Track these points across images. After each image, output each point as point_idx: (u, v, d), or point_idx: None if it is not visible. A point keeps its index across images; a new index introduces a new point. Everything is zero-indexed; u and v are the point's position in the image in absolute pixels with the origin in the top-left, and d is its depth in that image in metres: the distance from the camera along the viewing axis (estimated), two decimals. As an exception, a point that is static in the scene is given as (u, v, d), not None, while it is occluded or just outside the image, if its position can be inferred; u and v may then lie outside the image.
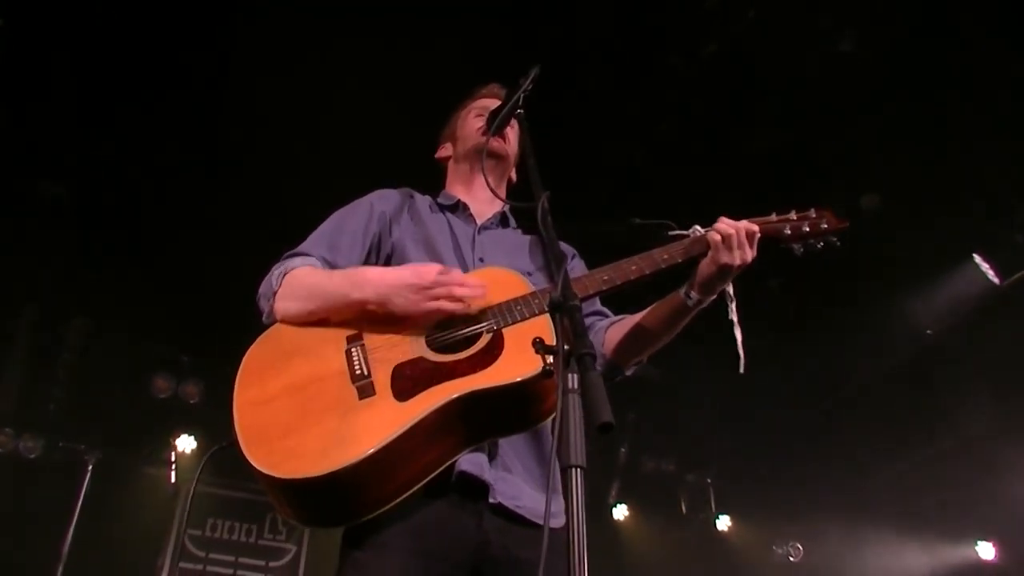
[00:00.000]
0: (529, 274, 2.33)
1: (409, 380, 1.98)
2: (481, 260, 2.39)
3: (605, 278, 2.17)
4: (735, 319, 2.22)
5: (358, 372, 2.02)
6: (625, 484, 9.41)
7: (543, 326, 2.03)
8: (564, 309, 1.70)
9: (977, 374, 7.01)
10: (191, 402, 7.49)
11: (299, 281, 2.17)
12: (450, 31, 5.34)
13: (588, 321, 2.40)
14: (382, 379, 1.99)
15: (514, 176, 2.71)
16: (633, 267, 2.18)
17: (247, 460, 1.89)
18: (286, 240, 6.46)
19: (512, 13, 5.26)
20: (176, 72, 5.59)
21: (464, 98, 2.82)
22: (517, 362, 1.96)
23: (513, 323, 2.06)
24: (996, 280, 5.81)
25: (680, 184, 6.01)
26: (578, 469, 1.54)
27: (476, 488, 2.05)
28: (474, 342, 2.05)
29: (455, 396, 1.93)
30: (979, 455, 7.38)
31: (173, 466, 5.73)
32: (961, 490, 7.68)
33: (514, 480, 2.11)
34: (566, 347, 1.64)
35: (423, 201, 2.57)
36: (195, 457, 7.70)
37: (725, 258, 2.13)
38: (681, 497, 9.85)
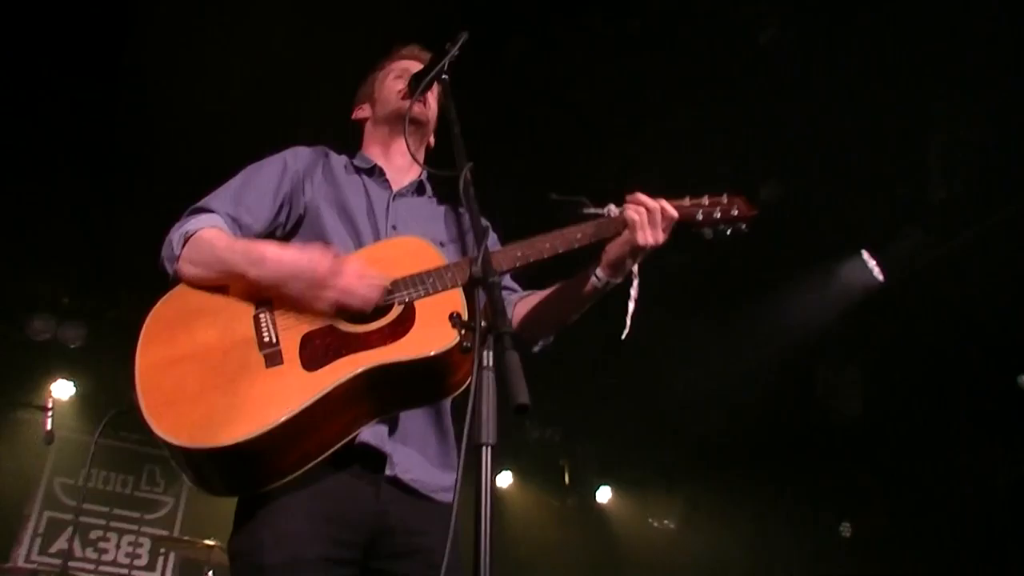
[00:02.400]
0: (442, 244, 2.32)
1: (318, 349, 1.93)
2: (394, 228, 2.33)
3: (519, 255, 2.14)
4: (634, 294, 2.22)
5: (266, 339, 1.96)
6: (510, 452, 9.52)
7: (455, 299, 2.01)
8: (484, 284, 1.68)
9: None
10: (71, 346, 7.16)
11: (201, 246, 2.07)
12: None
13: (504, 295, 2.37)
14: (290, 347, 1.94)
15: (432, 141, 2.62)
16: (547, 244, 2.16)
17: (149, 427, 1.81)
18: (181, 180, 6.22)
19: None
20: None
21: (382, 58, 2.70)
22: (429, 336, 1.94)
23: (425, 295, 2.02)
24: (880, 277, 6.10)
25: (599, 155, 6.02)
26: (489, 447, 1.53)
27: (375, 459, 2.04)
28: (385, 312, 2.00)
29: (364, 368, 1.90)
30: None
31: (50, 414, 5.45)
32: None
33: (411, 453, 2.10)
34: (483, 324, 1.63)
35: (339, 161, 2.47)
36: (72, 404, 7.39)
37: (639, 239, 2.13)
38: (565, 467, 10.02)
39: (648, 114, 5.93)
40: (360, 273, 1.98)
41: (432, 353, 1.91)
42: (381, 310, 2.00)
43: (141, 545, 7.91)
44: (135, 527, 7.97)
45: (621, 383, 8.06)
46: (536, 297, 2.39)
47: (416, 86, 2.37)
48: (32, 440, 7.30)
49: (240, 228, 2.21)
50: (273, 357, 1.93)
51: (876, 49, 5.32)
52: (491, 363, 1.61)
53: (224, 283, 2.06)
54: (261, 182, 2.29)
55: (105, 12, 5.40)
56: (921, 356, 6.45)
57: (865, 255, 6.17)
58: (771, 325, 6.68)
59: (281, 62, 5.49)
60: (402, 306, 2.01)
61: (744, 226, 2.35)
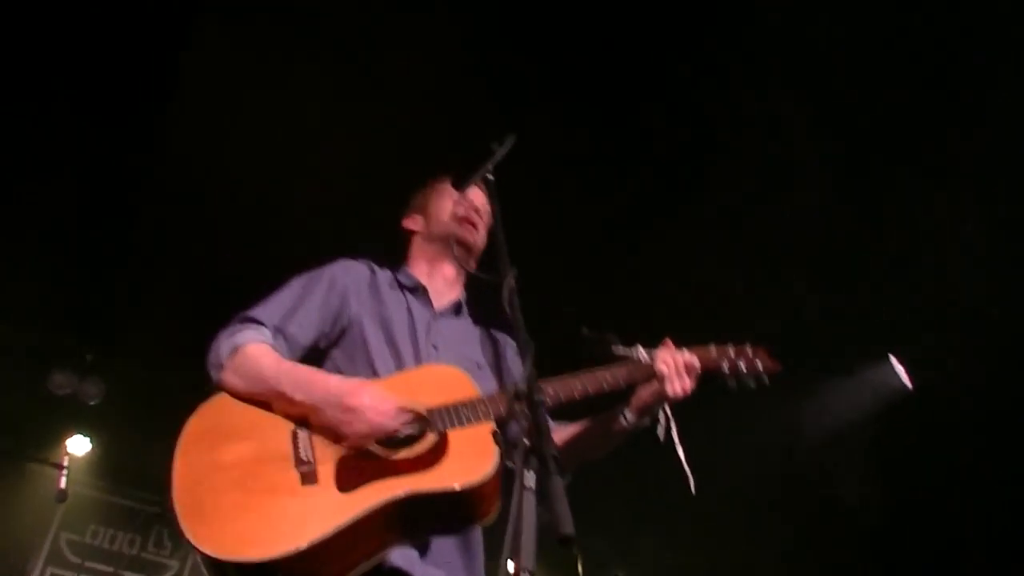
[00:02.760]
0: (479, 367, 2.43)
1: (353, 472, 1.97)
2: (435, 348, 2.39)
3: (550, 392, 2.17)
4: (676, 438, 2.27)
5: (303, 457, 2.01)
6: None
7: (487, 434, 2.05)
8: (530, 402, 1.67)
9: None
10: (90, 403, 7.17)
11: (248, 362, 2.14)
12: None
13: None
14: (326, 467, 1.99)
15: (474, 264, 2.66)
16: (578, 385, 2.21)
17: (183, 534, 1.88)
18: (211, 247, 6.24)
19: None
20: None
21: (438, 170, 2.80)
22: (461, 468, 1.98)
23: (459, 427, 2.06)
24: (909, 385, 6.06)
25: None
26: (528, 574, 1.51)
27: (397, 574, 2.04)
28: (419, 440, 2.04)
29: (398, 496, 1.93)
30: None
31: (64, 472, 5.44)
32: None
33: (433, 570, 2.10)
34: (527, 443, 1.62)
35: (384, 276, 2.55)
36: (87, 460, 7.36)
37: (669, 390, 2.21)
38: (578, 558, 9.74)
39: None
40: (376, 405, 2.02)
41: (462, 486, 1.96)
42: (416, 438, 2.04)
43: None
44: (142, 591, 7.85)
45: (630, 471, 7.91)
46: (567, 431, 2.43)
47: (461, 182, 2.42)
48: (42, 493, 7.27)
49: (286, 340, 2.28)
50: (308, 476, 1.97)
51: (900, 146, 5.37)
52: (533, 484, 1.59)
53: (265, 399, 2.12)
54: (309, 298, 2.36)
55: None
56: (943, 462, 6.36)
57: (893, 360, 6.14)
58: (794, 423, 6.62)
59: (327, 156, 5.57)
60: (437, 436, 2.04)
61: (767, 379, 2.42)
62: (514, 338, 1.88)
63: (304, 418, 2.08)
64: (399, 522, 1.97)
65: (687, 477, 2.26)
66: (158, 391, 7.56)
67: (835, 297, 6.04)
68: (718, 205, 5.73)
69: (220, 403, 2.12)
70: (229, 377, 2.13)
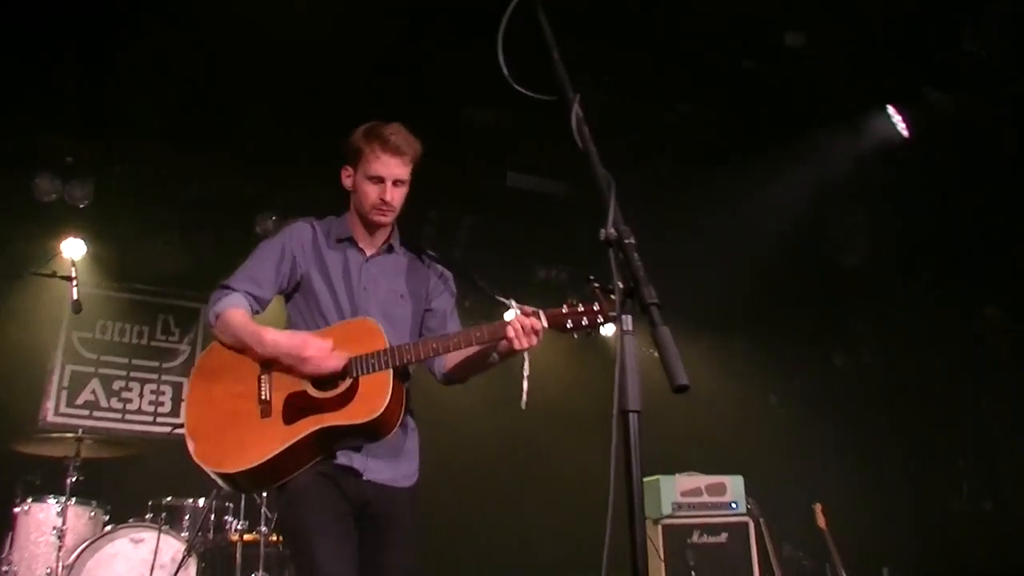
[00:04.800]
0: (402, 296, 3.16)
1: (294, 408, 2.81)
2: (365, 289, 3.09)
3: (434, 346, 2.88)
4: (526, 373, 2.91)
5: (263, 397, 2.85)
6: (518, 295, 9.60)
7: (386, 379, 2.81)
8: (620, 246, 1.67)
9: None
10: (80, 205, 7.05)
11: (227, 322, 2.94)
12: None
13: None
14: (277, 404, 2.84)
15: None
16: (455, 340, 2.89)
17: (189, 451, 2.82)
18: (196, 35, 5.91)
19: None
20: None
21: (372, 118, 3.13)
22: (362, 407, 2.78)
23: (367, 373, 2.82)
24: (906, 134, 6.04)
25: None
26: (636, 414, 1.58)
27: (346, 468, 2.88)
28: (340, 383, 2.83)
29: (317, 428, 2.78)
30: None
31: (75, 283, 5.43)
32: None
33: (379, 461, 2.93)
34: (621, 285, 1.63)
35: (322, 232, 3.19)
36: (84, 262, 7.36)
37: (516, 345, 2.84)
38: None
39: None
40: (324, 354, 2.81)
41: (361, 420, 2.77)
42: (338, 382, 2.83)
43: (163, 393, 8.11)
44: (155, 376, 8.13)
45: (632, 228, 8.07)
46: (460, 354, 3.07)
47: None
48: (48, 299, 7.35)
49: (255, 299, 3.04)
50: (265, 410, 2.84)
51: None
52: (631, 327, 1.63)
53: (241, 349, 2.93)
54: (267, 264, 3.09)
55: None
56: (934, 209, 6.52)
57: (891, 110, 6.09)
58: (789, 176, 6.67)
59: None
60: (351, 380, 2.82)
61: (604, 323, 2.89)
62: (597, 171, 1.81)
63: (268, 363, 2.87)
64: (323, 442, 2.82)
65: (523, 398, 2.91)
66: (145, 186, 7.45)
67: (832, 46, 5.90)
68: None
69: (215, 351, 3.00)
70: (217, 334, 2.98)
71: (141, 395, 8.05)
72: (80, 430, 5.78)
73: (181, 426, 2.89)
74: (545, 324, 2.84)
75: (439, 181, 7.00)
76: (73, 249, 7.05)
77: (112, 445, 6.11)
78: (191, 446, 2.81)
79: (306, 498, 2.80)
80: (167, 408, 8.09)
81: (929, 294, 7.32)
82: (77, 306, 5.42)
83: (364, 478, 2.89)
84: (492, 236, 8.56)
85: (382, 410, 2.75)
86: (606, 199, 1.72)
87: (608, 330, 10.09)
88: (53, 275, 5.72)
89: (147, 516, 5.71)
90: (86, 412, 7.69)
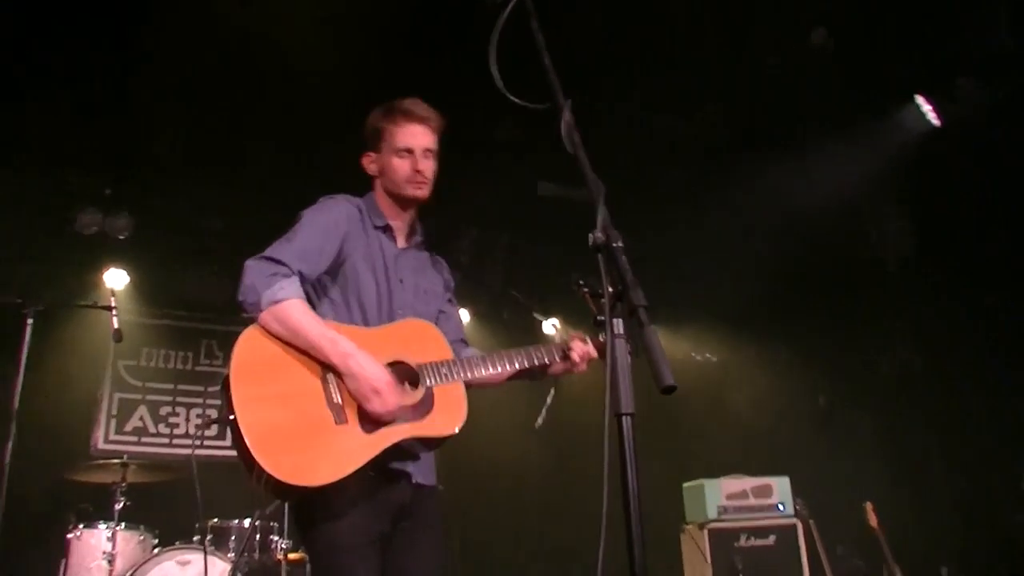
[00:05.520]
0: (426, 292, 3.02)
1: (367, 414, 2.55)
2: (401, 281, 2.93)
3: (499, 364, 2.88)
4: (550, 399, 3.08)
5: (334, 400, 2.56)
6: (553, 302, 9.62)
7: (459, 391, 2.75)
8: (607, 249, 1.67)
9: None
10: (120, 237, 7.23)
11: (289, 314, 2.58)
12: None
13: (455, 347, 2.96)
14: (351, 410, 2.56)
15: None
16: (520, 358, 2.93)
17: (255, 460, 2.37)
18: (217, 69, 6.06)
19: None
20: None
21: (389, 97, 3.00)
22: (445, 419, 2.69)
23: (441, 383, 2.70)
24: (936, 122, 5.93)
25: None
26: (628, 417, 1.57)
27: (401, 473, 2.75)
28: (415, 390, 2.67)
29: (405, 438, 2.60)
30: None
31: (115, 312, 5.56)
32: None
33: (421, 466, 2.81)
34: (611, 289, 1.63)
35: (367, 219, 2.97)
36: (126, 291, 7.56)
37: (577, 369, 2.94)
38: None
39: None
40: (389, 408, 2.56)
41: (445, 434, 2.69)
42: (412, 382, 2.68)
43: (209, 417, 8.27)
44: (200, 400, 8.29)
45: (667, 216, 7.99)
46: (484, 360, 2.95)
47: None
48: (94, 329, 7.52)
49: (302, 279, 2.71)
50: (339, 415, 2.54)
51: None
52: (623, 330, 1.63)
53: (300, 348, 2.59)
54: (318, 240, 2.80)
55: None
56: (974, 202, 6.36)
57: (920, 100, 5.98)
58: (822, 171, 6.58)
59: None
60: (425, 389, 2.67)
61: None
62: (587, 176, 1.81)
63: (332, 365, 2.58)
64: (399, 451, 2.63)
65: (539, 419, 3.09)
66: (180, 216, 7.64)
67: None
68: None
69: (259, 341, 2.58)
70: (269, 322, 2.57)
71: (188, 419, 8.20)
72: (125, 456, 5.92)
73: (211, 424, 2.73)
74: (595, 354, 2.93)
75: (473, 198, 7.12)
76: (115, 279, 7.27)
77: (158, 469, 6.22)
78: (266, 461, 2.36)
79: (350, 515, 2.57)
80: (213, 431, 8.18)
81: (970, 288, 7.16)
82: (118, 335, 5.54)
83: (413, 482, 2.77)
84: (530, 252, 8.57)
85: (462, 423, 2.70)
86: (595, 204, 1.72)
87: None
88: (94, 305, 5.88)
89: (194, 538, 5.80)
90: (135, 438, 7.86)
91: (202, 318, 8.47)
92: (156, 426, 8.04)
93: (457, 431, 2.68)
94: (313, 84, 6.10)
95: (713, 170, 7.42)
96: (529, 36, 2.19)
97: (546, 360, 2.91)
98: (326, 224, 2.83)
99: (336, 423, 2.51)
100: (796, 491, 6.44)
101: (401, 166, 2.92)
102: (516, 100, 2.11)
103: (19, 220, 6.90)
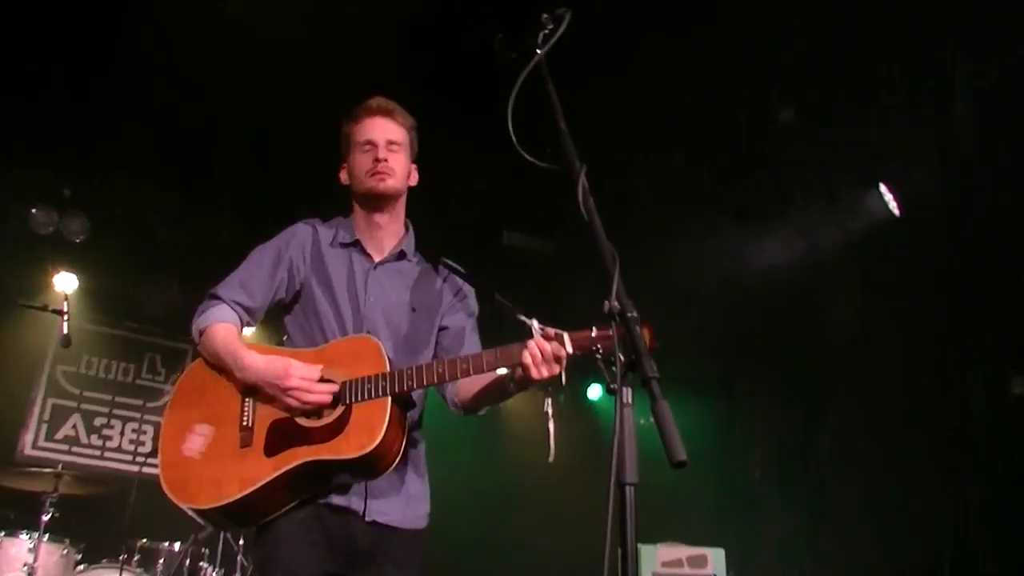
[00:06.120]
0: (414, 309, 2.77)
1: (278, 435, 2.48)
2: (371, 300, 2.72)
3: (439, 371, 2.46)
4: (550, 412, 2.41)
5: (244, 424, 2.53)
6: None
7: (384, 407, 2.42)
8: (623, 319, 1.69)
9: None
10: (76, 240, 7.07)
11: (211, 338, 2.62)
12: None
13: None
14: (259, 432, 2.51)
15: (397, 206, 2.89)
16: (463, 365, 2.46)
17: (163, 486, 2.51)
18: (172, 64, 6.02)
19: None
20: None
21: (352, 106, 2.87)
22: (356, 440, 2.41)
23: (361, 400, 2.45)
24: (897, 213, 6.14)
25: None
26: (633, 487, 1.59)
27: (344, 509, 2.53)
28: (331, 410, 2.48)
29: (302, 462, 2.42)
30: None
31: (66, 317, 5.42)
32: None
33: (387, 500, 2.58)
34: (622, 358, 1.66)
35: (326, 236, 2.83)
36: (74, 296, 7.35)
37: (533, 374, 2.36)
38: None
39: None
40: (307, 386, 2.46)
41: (349, 456, 2.40)
42: (330, 407, 2.48)
43: (145, 432, 8.00)
44: (138, 415, 8.04)
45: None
46: (475, 382, 2.68)
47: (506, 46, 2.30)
48: (34, 331, 7.33)
49: (246, 310, 2.72)
50: (246, 439, 2.51)
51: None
52: (631, 400, 1.65)
53: (224, 370, 2.60)
54: (260, 271, 2.75)
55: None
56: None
57: (883, 188, 6.20)
58: (782, 242, 6.76)
59: None
60: (343, 407, 2.46)
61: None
62: (600, 245, 1.82)
63: (252, 387, 2.54)
64: (310, 478, 2.46)
65: (549, 449, 2.40)
66: (139, 225, 7.49)
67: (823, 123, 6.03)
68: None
69: (197, 369, 2.68)
70: (201, 350, 2.67)
71: (122, 433, 7.99)
72: (60, 465, 5.72)
73: (151, 457, 2.73)
74: (570, 349, 2.35)
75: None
76: (66, 283, 7.07)
77: (90, 483, 6.03)
78: (163, 477, 2.51)
79: (283, 551, 2.45)
80: (147, 448, 7.95)
81: (915, 367, 7.35)
82: (67, 340, 5.41)
83: (367, 520, 2.52)
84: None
85: (375, 444, 2.36)
86: (610, 272, 1.75)
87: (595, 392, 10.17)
88: (45, 308, 5.72)
89: (120, 557, 5.61)
90: (65, 447, 7.62)
91: (149, 331, 8.29)
92: (89, 436, 7.82)
93: (361, 455, 2.37)
94: (287, 101, 6.06)
95: (666, 228, 7.51)
96: (545, 98, 2.22)
97: (498, 361, 2.45)
98: (266, 252, 2.79)
99: (240, 446, 2.49)
100: (730, 563, 6.47)
101: (363, 160, 2.77)
102: (530, 159, 2.13)
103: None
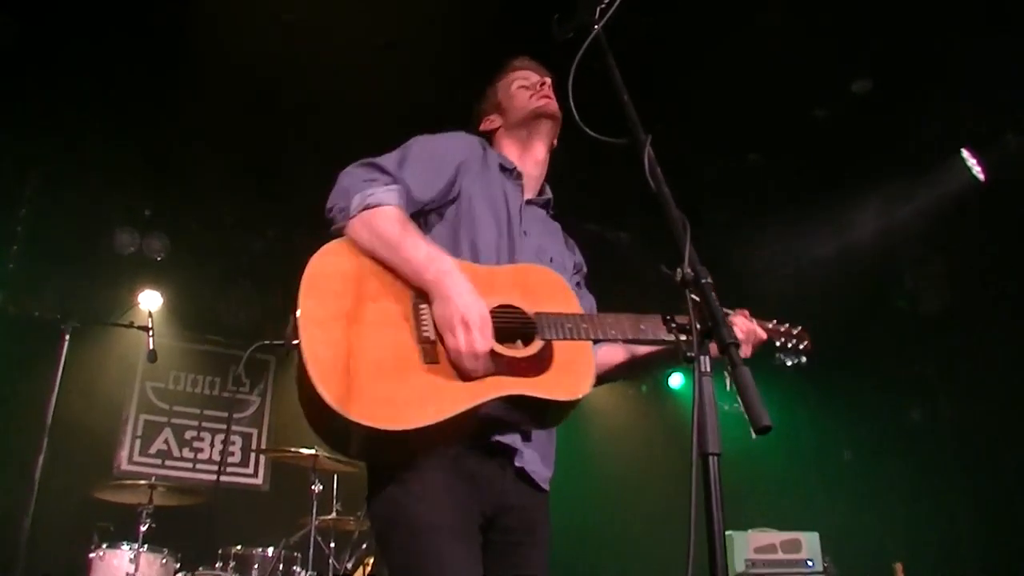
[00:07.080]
0: (552, 260, 2.48)
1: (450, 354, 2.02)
2: (525, 233, 2.46)
3: (634, 327, 2.16)
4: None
5: (425, 334, 2.04)
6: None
7: (587, 353, 2.16)
8: (697, 286, 1.65)
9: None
10: (157, 258, 7.29)
11: (382, 221, 2.15)
12: None
13: None
14: (444, 349, 2.03)
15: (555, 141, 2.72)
16: (611, 330, 2.16)
17: (314, 388, 1.87)
18: (256, 86, 6.18)
19: None
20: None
21: (496, 72, 2.78)
22: (566, 381, 2.09)
23: (563, 339, 2.10)
24: (982, 178, 5.90)
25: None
26: (716, 457, 1.54)
27: (507, 452, 2.21)
28: (528, 341, 2.10)
29: (511, 394, 2.03)
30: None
31: (151, 333, 5.59)
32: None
33: (533, 451, 2.28)
34: (699, 327, 1.61)
35: (492, 157, 2.56)
36: (159, 313, 7.59)
37: (746, 351, 2.35)
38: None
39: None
40: (475, 350, 1.99)
41: (565, 398, 2.07)
42: (525, 337, 2.11)
43: (233, 443, 8.25)
44: (225, 426, 8.28)
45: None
46: (616, 352, 2.56)
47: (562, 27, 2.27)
48: (123, 350, 7.58)
49: (408, 200, 2.27)
50: (430, 354, 2.02)
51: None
52: (709, 368, 1.60)
53: (388, 264, 2.13)
54: (433, 163, 2.37)
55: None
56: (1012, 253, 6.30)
57: (966, 154, 5.96)
58: (863, 219, 6.58)
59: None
60: (543, 343, 2.09)
61: (805, 360, 2.59)
62: (669, 212, 1.77)
63: (424, 293, 2.10)
64: (496, 414, 2.06)
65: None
66: (217, 240, 7.70)
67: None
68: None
69: (344, 251, 2.13)
70: (358, 230, 2.14)
71: (212, 445, 8.18)
72: (153, 478, 5.90)
73: (281, 345, 2.16)
74: (764, 337, 2.39)
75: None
76: (150, 301, 7.28)
77: (183, 493, 6.20)
78: (331, 395, 1.86)
79: (437, 490, 2.07)
80: (237, 458, 8.20)
81: (1007, 343, 7.06)
82: (153, 356, 5.57)
83: (516, 464, 2.21)
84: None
85: (586, 391, 2.10)
86: (681, 240, 1.70)
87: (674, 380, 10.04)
88: (131, 325, 5.88)
89: (216, 564, 5.74)
90: (158, 461, 7.84)
91: (232, 344, 8.47)
92: (181, 450, 8.02)
93: (570, 399, 2.07)
94: (360, 107, 6.14)
95: (749, 216, 7.41)
96: (607, 72, 2.17)
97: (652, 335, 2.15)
98: (444, 146, 2.44)
99: (424, 362, 2.01)
100: (825, 547, 6.31)
101: (522, 93, 2.66)
102: (595, 135, 2.09)
103: (58, 237, 6.99)
